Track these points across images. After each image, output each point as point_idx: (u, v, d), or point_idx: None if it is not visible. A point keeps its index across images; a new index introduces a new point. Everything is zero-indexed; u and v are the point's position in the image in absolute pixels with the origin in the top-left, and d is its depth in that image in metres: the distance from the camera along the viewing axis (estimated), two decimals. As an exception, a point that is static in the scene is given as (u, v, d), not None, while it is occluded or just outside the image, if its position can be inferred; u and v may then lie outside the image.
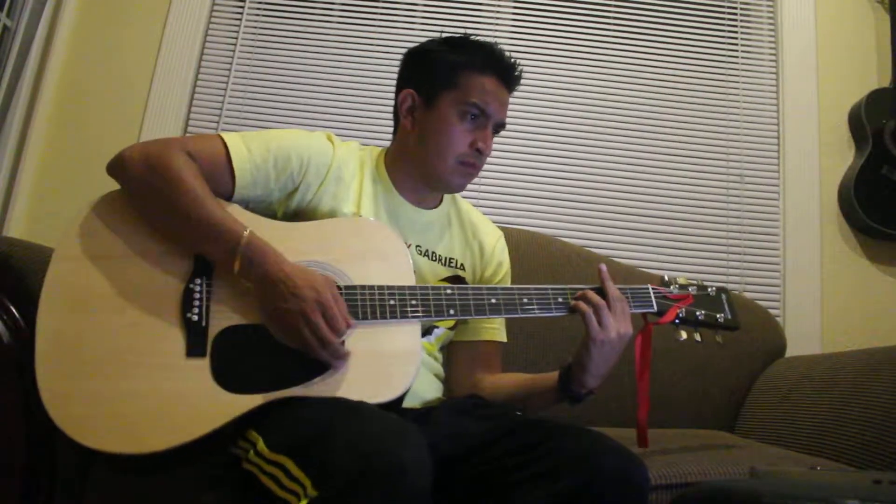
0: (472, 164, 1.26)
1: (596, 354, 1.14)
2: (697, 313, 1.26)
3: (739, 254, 2.10)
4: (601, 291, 1.18)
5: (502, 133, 2.07)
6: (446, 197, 1.37)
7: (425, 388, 1.22)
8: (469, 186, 2.03)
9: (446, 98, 1.24)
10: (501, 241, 1.43)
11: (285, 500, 0.86)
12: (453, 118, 1.23)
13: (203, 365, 1.00)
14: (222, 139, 1.15)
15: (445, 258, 1.32)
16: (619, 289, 1.19)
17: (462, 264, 1.34)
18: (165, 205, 1.06)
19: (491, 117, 1.25)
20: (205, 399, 0.98)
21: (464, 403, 1.21)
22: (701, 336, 1.27)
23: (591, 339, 1.14)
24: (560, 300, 1.18)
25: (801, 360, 1.72)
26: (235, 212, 1.12)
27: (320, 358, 1.01)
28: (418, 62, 1.31)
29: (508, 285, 1.28)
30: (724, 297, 1.31)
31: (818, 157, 2.13)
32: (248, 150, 1.15)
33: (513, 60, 1.27)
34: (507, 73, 1.26)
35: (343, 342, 1.03)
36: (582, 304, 1.16)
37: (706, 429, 1.70)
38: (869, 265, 2.09)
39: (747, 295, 2.01)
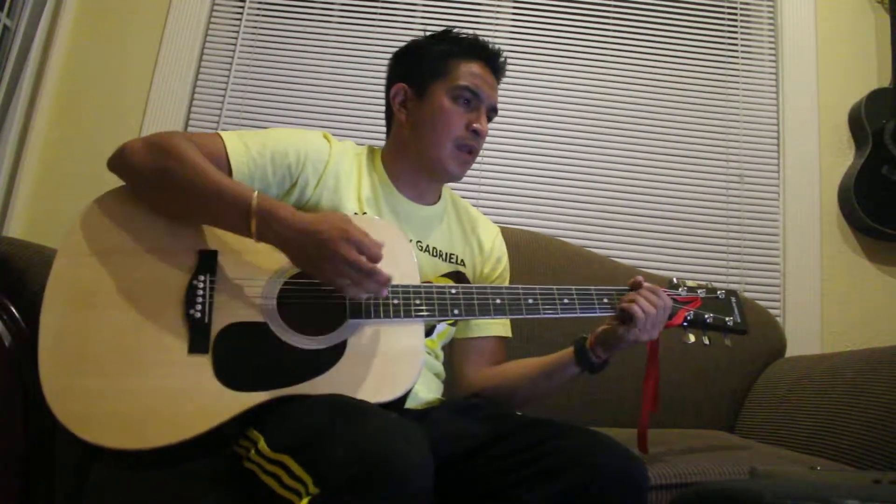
0: (469, 149, 1.27)
1: (623, 347, 1.17)
2: (706, 316, 1.24)
3: (739, 254, 2.10)
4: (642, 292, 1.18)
5: (502, 133, 2.13)
6: (444, 194, 1.38)
7: (425, 388, 1.22)
8: (469, 186, 2.08)
9: (437, 87, 1.27)
10: (499, 237, 1.44)
11: (286, 499, 0.86)
12: (447, 103, 1.26)
13: (205, 362, 1.00)
14: (219, 136, 1.16)
15: (446, 254, 1.32)
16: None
17: (462, 260, 1.34)
18: (173, 183, 1.06)
19: (483, 100, 1.27)
20: (206, 396, 0.98)
21: (464, 404, 1.21)
22: (709, 339, 1.26)
23: (632, 339, 1.15)
24: (566, 301, 1.18)
25: (801, 360, 1.72)
26: None
27: (366, 291, 1.01)
28: (405, 58, 1.35)
29: (510, 284, 1.28)
30: (733, 300, 1.29)
31: (818, 157, 2.13)
32: (245, 145, 1.16)
33: (497, 48, 1.32)
34: (492, 59, 1.31)
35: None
36: (637, 311, 1.14)
37: (706, 429, 1.70)
38: (869, 265, 2.09)
39: (747, 295, 2.01)
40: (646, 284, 1.18)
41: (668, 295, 1.21)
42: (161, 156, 1.07)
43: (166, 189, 1.07)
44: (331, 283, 1.01)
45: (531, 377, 1.27)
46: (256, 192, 1.03)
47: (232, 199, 1.04)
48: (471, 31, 1.33)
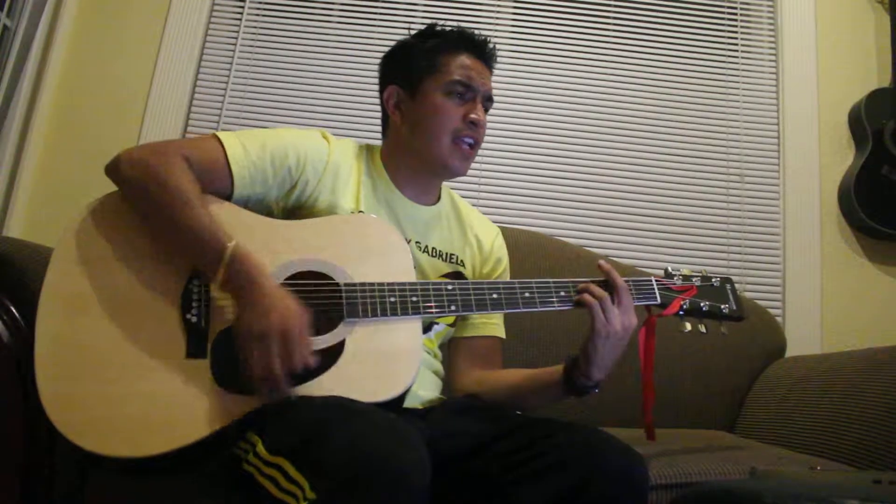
0: (469, 141, 1.26)
1: (601, 347, 1.13)
2: (702, 304, 1.24)
3: (740, 254, 2.10)
4: (606, 284, 1.17)
5: (501, 132, 2.13)
6: (444, 193, 1.37)
7: (424, 386, 1.21)
8: (469, 186, 2.08)
9: (429, 83, 1.26)
10: (500, 237, 1.44)
11: (283, 502, 0.85)
12: (440, 99, 1.24)
13: (203, 366, 1.00)
14: (219, 140, 1.14)
15: (446, 254, 1.32)
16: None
17: (462, 260, 1.34)
18: (157, 211, 1.05)
19: (477, 91, 1.26)
20: (205, 401, 0.97)
21: (463, 403, 1.21)
22: (706, 327, 1.25)
23: (595, 332, 1.12)
24: (563, 294, 1.17)
25: (801, 361, 1.72)
26: (234, 212, 1.12)
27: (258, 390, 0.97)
28: (395, 59, 1.34)
29: (509, 280, 1.28)
30: (728, 287, 1.28)
31: (818, 157, 2.13)
32: (244, 149, 1.15)
33: (484, 37, 1.30)
34: (480, 49, 1.29)
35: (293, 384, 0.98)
36: (587, 297, 1.14)
37: (706, 429, 1.70)
38: (869, 265, 2.09)
39: (747, 295, 2.01)
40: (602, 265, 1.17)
41: (664, 284, 1.22)
42: (149, 179, 1.05)
43: (147, 212, 1.07)
44: (245, 355, 0.97)
45: (520, 393, 1.26)
46: (233, 244, 1.01)
47: (206, 243, 1.02)
48: (470, 31, 1.33)
